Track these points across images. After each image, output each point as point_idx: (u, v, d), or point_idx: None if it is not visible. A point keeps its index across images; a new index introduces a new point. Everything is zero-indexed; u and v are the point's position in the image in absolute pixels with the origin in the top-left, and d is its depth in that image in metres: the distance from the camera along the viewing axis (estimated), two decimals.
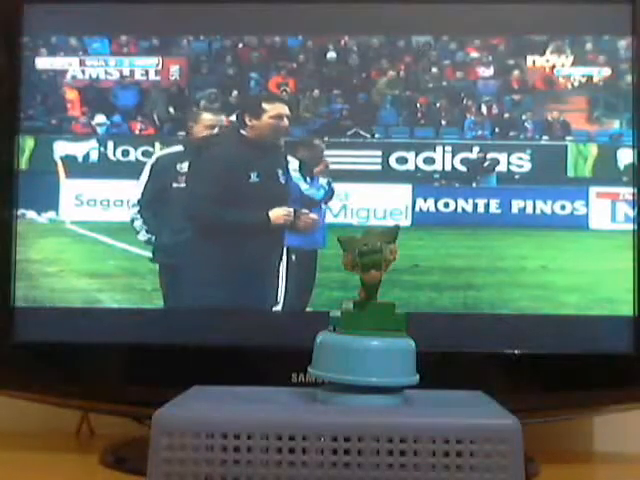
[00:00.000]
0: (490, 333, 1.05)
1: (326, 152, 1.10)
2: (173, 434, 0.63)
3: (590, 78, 1.09)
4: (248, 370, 1.00)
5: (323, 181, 1.10)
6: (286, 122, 1.11)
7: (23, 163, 1.10)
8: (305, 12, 1.11)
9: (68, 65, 1.12)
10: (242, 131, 1.12)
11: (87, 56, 1.12)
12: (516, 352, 1.03)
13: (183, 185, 1.11)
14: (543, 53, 1.09)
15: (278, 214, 1.10)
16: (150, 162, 1.11)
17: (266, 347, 1.03)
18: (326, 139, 1.10)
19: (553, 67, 1.09)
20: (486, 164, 1.10)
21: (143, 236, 1.11)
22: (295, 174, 1.12)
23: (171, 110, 1.13)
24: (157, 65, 1.12)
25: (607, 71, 1.08)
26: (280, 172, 1.12)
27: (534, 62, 1.09)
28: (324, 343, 0.69)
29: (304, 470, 0.63)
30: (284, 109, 1.11)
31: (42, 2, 1.11)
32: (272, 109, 1.11)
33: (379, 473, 0.63)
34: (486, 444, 0.63)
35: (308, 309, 1.08)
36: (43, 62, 1.12)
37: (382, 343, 0.68)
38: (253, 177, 1.10)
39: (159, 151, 1.12)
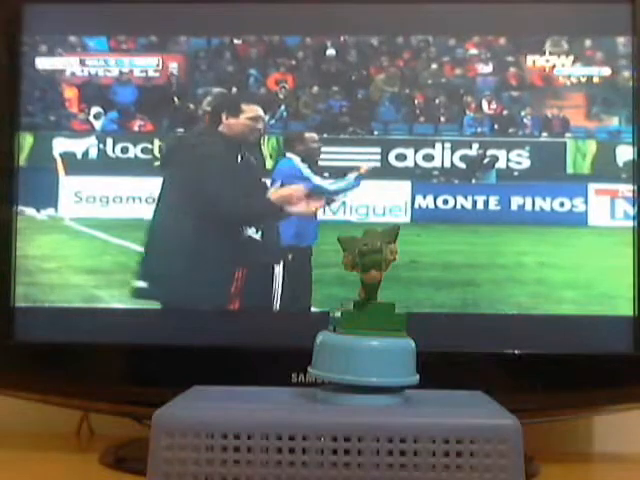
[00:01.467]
0: (490, 333, 1.05)
1: (325, 148, 1.10)
2: (173, 434, 0.63)
3: (590, 78, 1.09)
4: (248, 370, 1.00)
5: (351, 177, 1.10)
6: (261, 124, 1.11)
7: (22, 160, 1.10)
8: (304, 12, 1.11)
9: (68, 64, 1.12)
10: (219, 128, 1.11)
11: (87, 55, 1.12)
12: (516, 352, 1.03)
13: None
14: (543, 53, 1.09)
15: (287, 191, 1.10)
16: None
17: (266, 347, 1.03)
18: (325, 135, 1.10)
19: (553, 67, 1.09)
20: (485, 161, 1.10)
21: None
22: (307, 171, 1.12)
23: (170, 107, 1.13)
24: (157, 65, 1.12)
25: (607, 70, 1.08)
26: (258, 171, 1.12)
27: (534, 62, 1.09)
28: (324, 343, 0.69)
29: (304, 470, 0.63)
30: (260, 111, 1.11)
31: (42, 2, 1.11)
32: (249, 110, 1.11)
33: (379, 473, 0.63)
34: (486, 444, 0.63)
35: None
36: (43, 61, 1.11)
37: (382, 343, 0.68)
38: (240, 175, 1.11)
39: None
